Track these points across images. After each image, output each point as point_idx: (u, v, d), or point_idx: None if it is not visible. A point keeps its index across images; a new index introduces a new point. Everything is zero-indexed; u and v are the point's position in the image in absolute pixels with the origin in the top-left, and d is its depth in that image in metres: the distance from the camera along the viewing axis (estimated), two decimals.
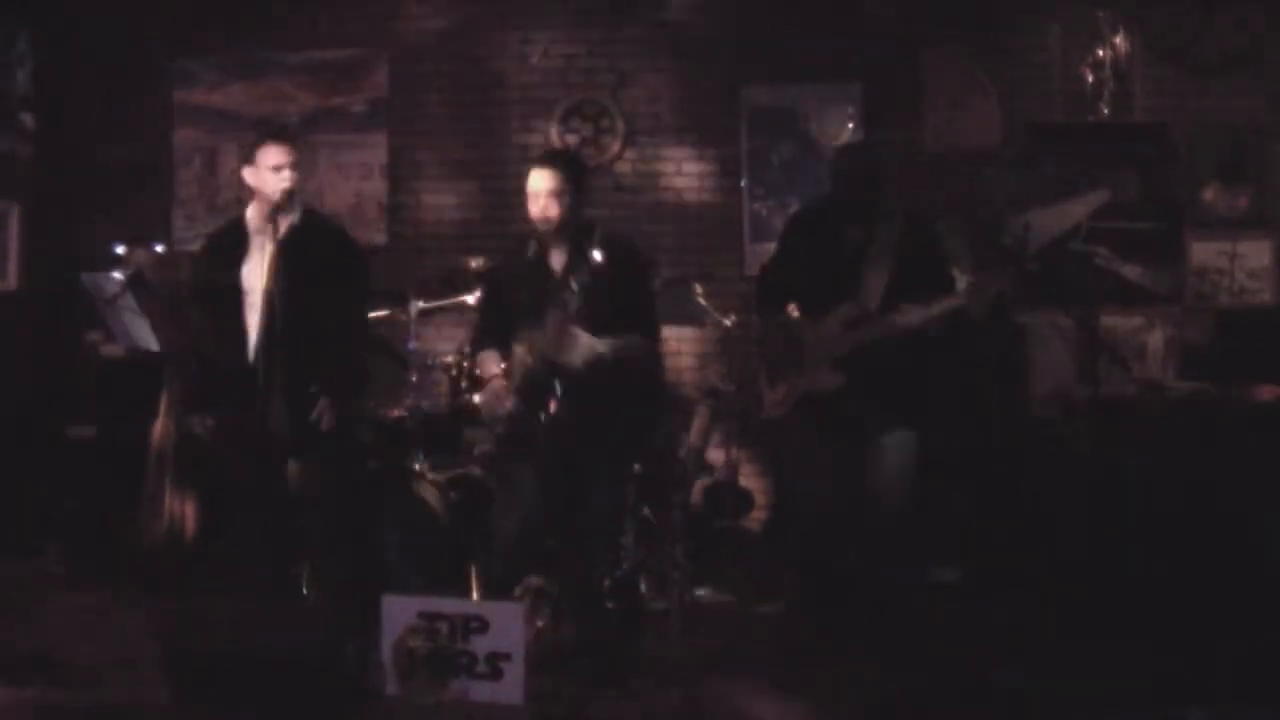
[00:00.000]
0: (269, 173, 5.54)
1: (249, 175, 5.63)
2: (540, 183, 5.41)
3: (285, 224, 5.57)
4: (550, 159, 5.60)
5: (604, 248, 5.34)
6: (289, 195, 5.53)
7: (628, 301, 5.38)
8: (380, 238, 8.42)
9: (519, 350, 5.44)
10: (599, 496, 5.44)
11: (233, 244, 5.56)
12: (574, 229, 5.43)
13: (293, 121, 8.43)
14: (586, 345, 5.27)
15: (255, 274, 5.48)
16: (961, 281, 5.51)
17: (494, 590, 5.60)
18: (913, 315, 5.47)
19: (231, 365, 5.54)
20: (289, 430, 5.54)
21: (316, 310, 5.47)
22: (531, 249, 5.55)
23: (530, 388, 5.39)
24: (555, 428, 5.36)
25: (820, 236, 5.84)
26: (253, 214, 5.58)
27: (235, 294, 5.53)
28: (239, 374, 5.46)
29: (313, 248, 5.57)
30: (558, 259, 5.47)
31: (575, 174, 5.48)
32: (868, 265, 5.63)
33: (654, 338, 5.50)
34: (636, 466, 6.34)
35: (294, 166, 5.55)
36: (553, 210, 5.37)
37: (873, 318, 5.56)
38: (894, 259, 5.59)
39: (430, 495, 6.45)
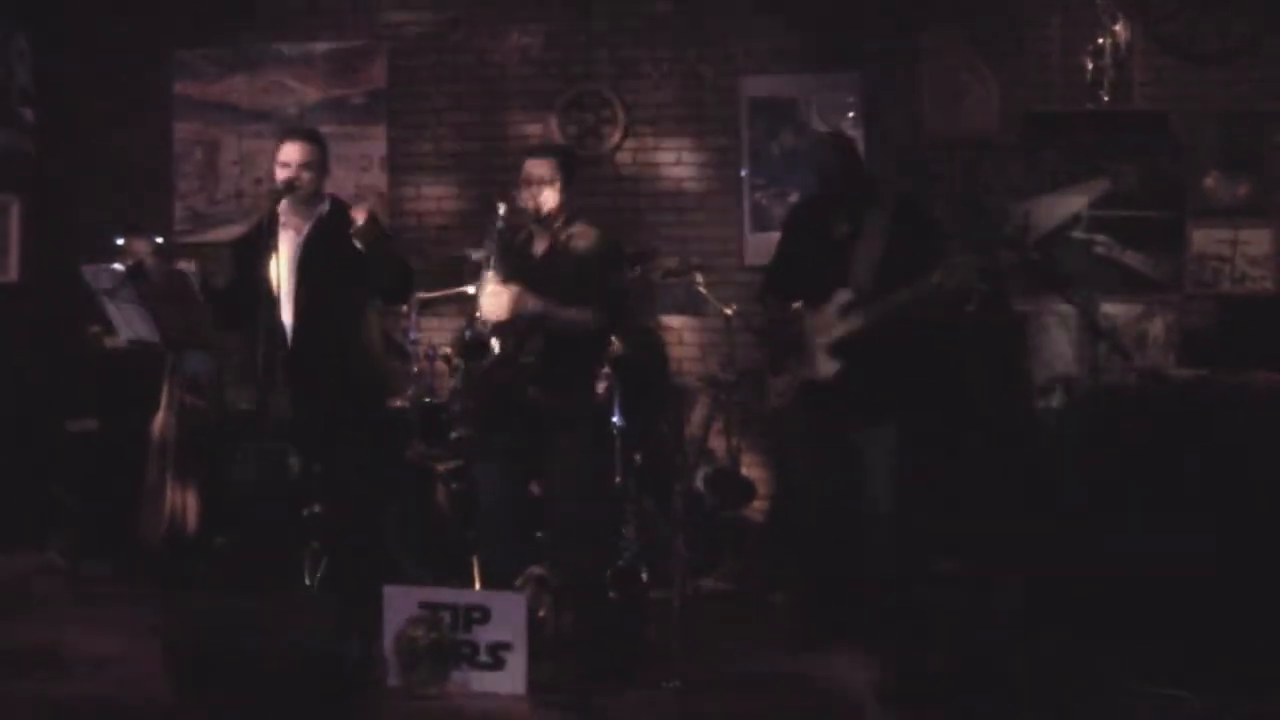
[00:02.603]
0: (278, 168, 5.64)
1: (274, 169, 5.71)
2: (534, 170, 5.53)
3: (309, 220, 5.63)
4: (544, 149, 5.81)
5: (583, 233, 5.52)
6: (301, 192, 5.57)
7: (587, 279, 5.41)
8: None
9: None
10: (565, 482, 5.46)
11: (262, 236, 5.56)
12: (562, 219, 5.54)
13: (292, 114, 8.44)
14: (516, 297, 5.31)
15: (277, 267, 5.50)
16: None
17: (492, 580, 5.61)
18: (900, 297, 5.47)
19: (246, 356, 5.57)
20: (295, 422, 5.55)
21: (335, 304, 5.53)
22: (522, 234, 5.67)
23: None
24: (509, 409, 5.49)
25: (812, 228, 5.88)
26: (282, 208, 5.61)
27: (259, 285, 5.54)
28: (251, 364, 5.47)
29: (334, 241, 5.59)
30: (540, 245, 5.56)
31: (568, 165, 5.61)
32: (859, 252, 5.65)
33: (605, 317, 5.48)
34: (638, 456, 6.34)
35: (303, 166, 5.59)
36: (544, 198, 5.49)
37: (864, 303, 5.58)
38: (885, 244, 5.63)
39: (432, 486, 6.45)
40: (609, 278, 5.51)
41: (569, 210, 5.58)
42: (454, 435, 6.75)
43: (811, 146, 6.35)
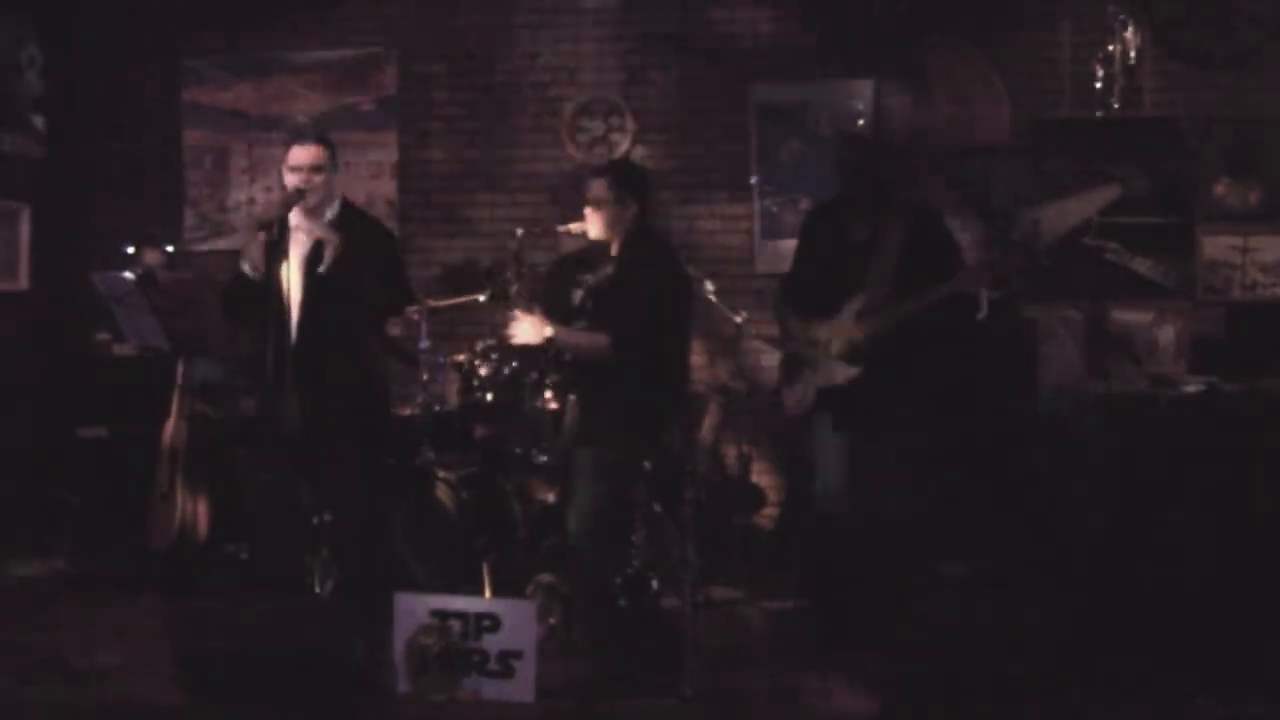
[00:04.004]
0: (288, 172, 5.64)
1: (284, 174, 5.70)
2: (588, 191, 5.48)
3: (320, 224, 5.62)
4: (600, 168, 5.77)
5: (629, 255, 5.41)
6: (312, 197, 5.57)
7: (612, 305, 5.38)
8: None
9: None
10: (577, 491, 5.44)
11: (275, 242, 5.56)
12: (618, 242, 5.45)
13: (302, 121, 8.44)
14: (533, 326, 5.32)
15: (287, 272, 5.51)
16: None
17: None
18: (917, 302, 5.45)
19: (256, 361, 5.56)
20: (304, 428, 5.54)
21: (341, 310, 5.52)
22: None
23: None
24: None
25: (830, 232, 5.84)
26: (294, 213, 5.60)
27: (272, 291, 5.54)
28: (260, 370, 5.47)
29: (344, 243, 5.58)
30: (602, 271, 5.56)
31: (623, 183, 5.46)
32: (876, 257, 5.62)
33: (618, 343, 5.26)
34: (647, 464, 6.33)
35: (315, 170, 5.59)
36: (595, 220, 5.43)
37: (880, 309, 5.55)
38: (902, 251, 5.59)
39: (442, 494, 6.45)
40: (629, 301, 5.31)
41: (627, 232, 5.42)
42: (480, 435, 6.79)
43: (838, 144, 6.28)
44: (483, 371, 6.09)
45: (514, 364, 5.81)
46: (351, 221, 5.75)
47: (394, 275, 5.84)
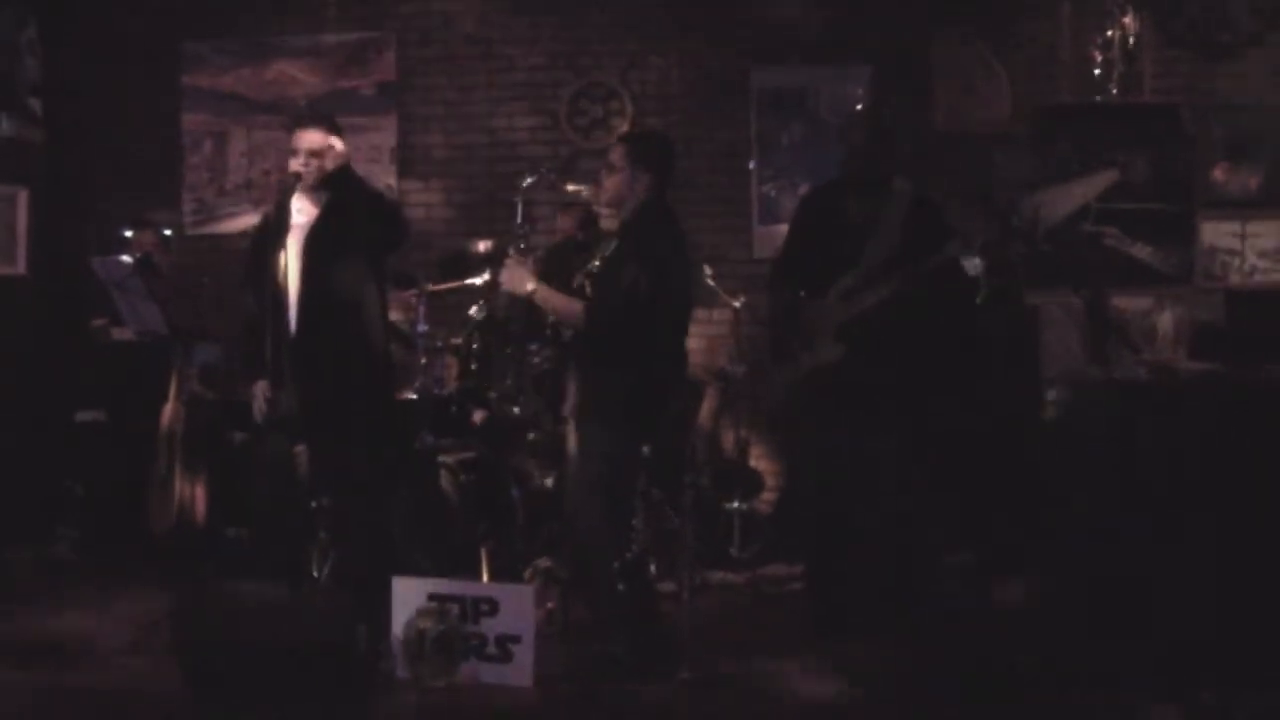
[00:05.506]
0: (289, 155, 5.57)
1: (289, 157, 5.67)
2: (608, 155, 5.42)
3: (317, 207, 5.59)
4: (623, 135, 5.90)
5: (627, 230, 5.36)
6: (309, 180, 5.53)
7: (598, 278, 5.35)
8: None
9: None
10: (573, 476, 5.43)
11: (277, 224, 5.53)
12: (630, 211, 5.37)
13: (302, 106, 8.42)
14: (520, 276, 5.28)
15: (289, 254, 5.49)
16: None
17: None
18: (906, 275, 5.42)
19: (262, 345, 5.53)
20: (302, 413, 5.53)
21: (340, 293, 5.50)
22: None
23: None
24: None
25: (828, 212, 5.81)
26: (297, 197, 5.57)
27: (268, 277, 5.51)
28: (257, 353, 5.46)
29: (339, 225, 5.54)
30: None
31: (638, 154, 5.37)
32: (873, 238, 5.59)
33: (591, 314, 5.19)
34: (646, 449, 6.33)
35: (312, 154, 5.52)
36: (606, 184, 5.36)
37: (868, 286, 5.52)
38: (899, 236, 5.57)
39: (441, 478, 6.44)
40: (614, 276, 5.22)
41: (638, 205, 5.33)
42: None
43: (848, 120, 6.23)
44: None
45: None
46: (343, 192, 5.64)
47: (378, 218, 5.71)
